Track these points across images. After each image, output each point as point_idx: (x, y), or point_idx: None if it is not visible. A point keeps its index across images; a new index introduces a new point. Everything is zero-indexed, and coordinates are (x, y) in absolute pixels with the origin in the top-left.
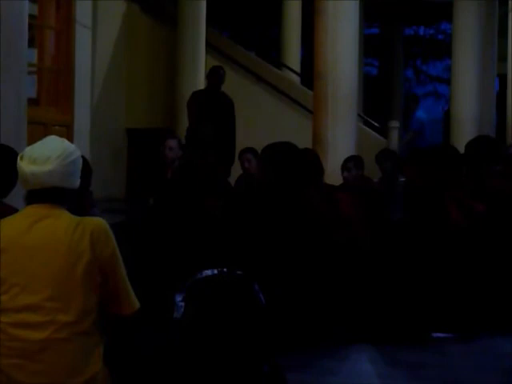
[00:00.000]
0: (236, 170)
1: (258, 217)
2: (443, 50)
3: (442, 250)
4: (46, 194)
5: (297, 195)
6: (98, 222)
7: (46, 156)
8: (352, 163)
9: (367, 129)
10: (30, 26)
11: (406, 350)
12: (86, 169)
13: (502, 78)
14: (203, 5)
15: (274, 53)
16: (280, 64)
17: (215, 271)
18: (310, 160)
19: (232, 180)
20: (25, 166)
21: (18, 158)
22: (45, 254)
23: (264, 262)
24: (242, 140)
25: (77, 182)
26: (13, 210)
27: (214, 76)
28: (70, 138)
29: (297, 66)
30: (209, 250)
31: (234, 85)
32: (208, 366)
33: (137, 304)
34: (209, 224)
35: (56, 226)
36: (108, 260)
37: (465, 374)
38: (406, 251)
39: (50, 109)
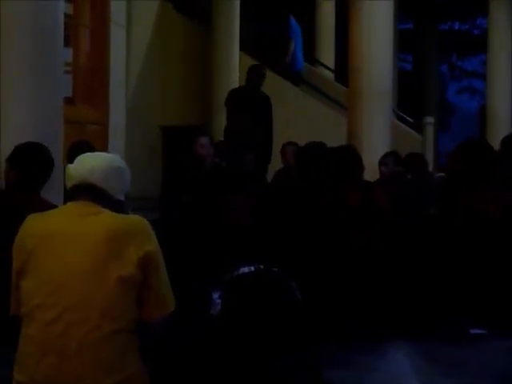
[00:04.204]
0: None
1: (289, 215)
2: (478, 45)
3: (478, 243)
4: (85, 191)
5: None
6: (140, 221)
7: (92, 157)
8: (391, 158)
9: (402, 124)
10: (66, 26)
11: (443, 346)
12: None
13: None
14: (237, 2)
15: (307, 49)
16: (314, 60)
17: (252, 268)
18: (343, 156)
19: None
20: (71, 165)
21: (69, 164)
22: (84, 250)
23: (297, 259)
24: (276, 136)
25: (119, 192)
26: (51, 206)
27: (253, 75)
28: (106, 137)
29: (331, 63)
30: (245, 247)
31: (268, 81)
32: (243, 363)
33: (173, 306)
34: (244, 221)
35: (96, 222)
36: (151, 259)
37: (502, 371)
38: (440, 245)
39: (86, 107)
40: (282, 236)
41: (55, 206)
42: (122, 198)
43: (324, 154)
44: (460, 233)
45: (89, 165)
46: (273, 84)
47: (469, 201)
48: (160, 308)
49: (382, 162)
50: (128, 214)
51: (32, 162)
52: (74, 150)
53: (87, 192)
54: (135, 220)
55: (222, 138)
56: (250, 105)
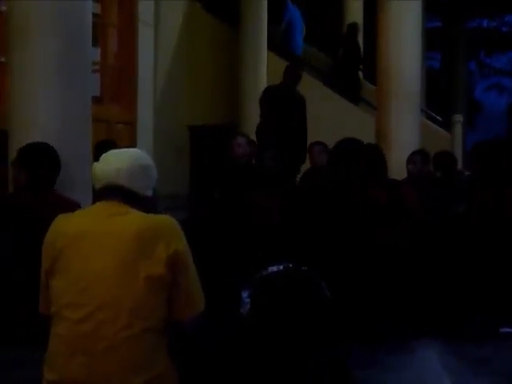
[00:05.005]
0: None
1: (317, 214)
2: (507, 42)
3: (504, 243)
4: (113, 192)
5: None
6: (169, 220)
7: (118, 157)
8: (419, 157)
9: (431, 123)
10: (93, 25)
11: (472, 345)
12: None
13: None
14: (265, 1)
15: (335, 48)
16: None
17: (281, 267)
18: (373, 155)
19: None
20: (97, 166)
21: (94, 163)
22: (113, 249)
23: (324, 257)
24: None
25: (146, 189)
26: (71, 202)
27: (290, 75)
28: (134, 136)
29: None
30: (273, 246)
31: None
32: (272, 362)
33: (203, 305)
34: (271, 220)
35: (125, 222)
36: (180, 258)
37: None
38: (468, 244)
39: (114, 107)
40: (310, 235)
41: (75, 203)
42: (149, 193)
43: (358, 149)
44: (482, 231)
45: (114, 166)
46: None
47: (483, 198)
48: (190, 307)
49: (410, 160)
50: (160, 213)
51: (42, 162)
52: (99, 150)
53: (115, 193)
54: (164, 220)
55: (250, 137)
56: (284, 104)
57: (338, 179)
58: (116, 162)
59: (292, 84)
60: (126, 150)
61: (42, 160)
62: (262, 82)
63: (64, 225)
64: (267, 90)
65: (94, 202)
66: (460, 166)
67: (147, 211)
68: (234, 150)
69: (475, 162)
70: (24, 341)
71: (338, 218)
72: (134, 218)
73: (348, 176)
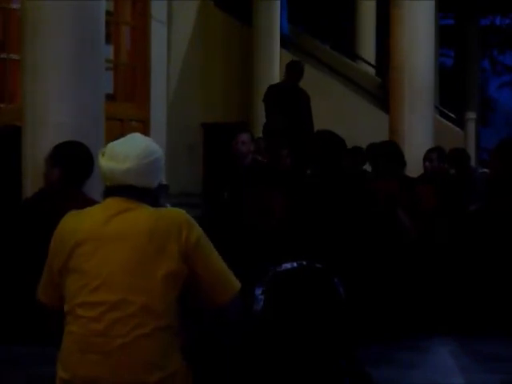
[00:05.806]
0: None
1: (322, 210)
2: None
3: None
4: (122, 191)
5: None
6: (179, 212)
7: (124, 154)
8: (435, 154)
9: (444, 120)
10: (106, 23)
11: (488, 342)
12: None
13: None
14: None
15: (348, 44)
16: (355, 56)
17: (295, 264)
18: (391, 151)
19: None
20: (104, 162)
21: (100, 154)
22: (126, 246)
23: (341, 254)
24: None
25: (155, 182)
26: (93, 203)
27: (292, 71)
28: (147, 134)
29: (371, 57)
30: (287, 244)
31: (309, 78)
32: (287, 359)
33: (238, 284)
34: (286, 218)
35: (136, 218)
36: (194, 247)
37: None
38: (484, 241)
39: (127, 104)
40: (313, 230)
41: (97, 203)
42: (158, 183)
43: (333, 140)
44: (499, 229)
45: (121, 166)
46: (314, 79)
47: (502, 197)
48: (225, 290)
49: (427, 157)
50: (163, 205)
51: (73, 158)
52: None
53: (124, 191)
54: (175, 213)
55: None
56: (288, 101)
57: (314, 171)
58: (123, 161)
59: (295, 80)
60: (132, 142)
61: (72, 156)
62: (275, 80)
63: (75, 223)
64: (270, 88)
65: (103, 197)
66: (473, 163)
67: (156, 202)
68: (238, 147)
69: (499, 163)
70: (23, 339)
71: (327, 211)
72: (144, 214)
73: (326, 166)
